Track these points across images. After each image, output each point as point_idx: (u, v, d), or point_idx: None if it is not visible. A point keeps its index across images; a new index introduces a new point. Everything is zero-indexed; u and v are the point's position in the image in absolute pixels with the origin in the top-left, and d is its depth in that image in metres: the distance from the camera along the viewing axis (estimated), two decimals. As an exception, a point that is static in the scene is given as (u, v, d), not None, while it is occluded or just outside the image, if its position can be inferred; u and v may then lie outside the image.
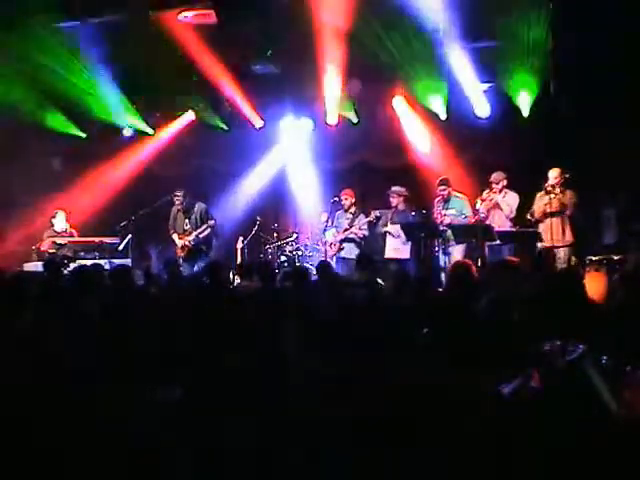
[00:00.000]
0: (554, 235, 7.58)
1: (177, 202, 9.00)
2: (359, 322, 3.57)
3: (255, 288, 5.37)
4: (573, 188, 7.72)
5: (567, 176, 7.66)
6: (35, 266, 7.94)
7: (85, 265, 6.10)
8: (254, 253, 9.87)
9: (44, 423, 2.61)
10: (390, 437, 2.38)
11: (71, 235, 9.07)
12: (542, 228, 7.76)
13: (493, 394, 2.48)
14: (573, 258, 7.68)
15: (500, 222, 8.02)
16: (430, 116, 9.64)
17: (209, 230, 8.89)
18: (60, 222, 9.11)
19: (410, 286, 4.64)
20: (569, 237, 7.74)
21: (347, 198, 9.05)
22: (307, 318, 3.64)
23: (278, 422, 2.56)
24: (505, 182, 8.18)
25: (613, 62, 7.98)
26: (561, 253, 7.64)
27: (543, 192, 7.80)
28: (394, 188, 8.74)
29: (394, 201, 8.70)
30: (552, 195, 7.67)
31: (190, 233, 8.90)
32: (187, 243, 8.91)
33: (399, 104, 9.77)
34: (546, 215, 7.75)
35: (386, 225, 8.72)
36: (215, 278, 5.55)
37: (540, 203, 7.84)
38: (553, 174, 7.76)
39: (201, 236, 8.86)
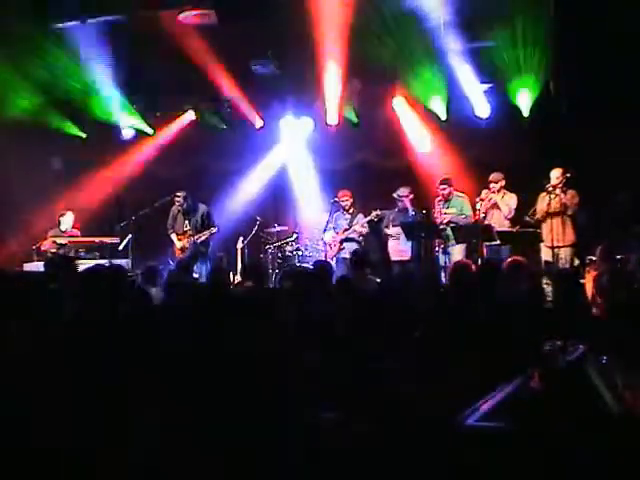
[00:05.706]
0: (555, 235, 7.57)
1: (177, 203, 9.01)
2: (359, 322, 3.57)
3: (248, 289, 5.33)
4: (575, 188, 7.72)
5: (569, 176, 7.66)
6: (35, 266, 7.92)
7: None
8: (254, 253, 9.87)
9: (44, 424, 2.61)
10: (388, 438, 2.38)
11: (73, 235, 9.05)
12: (544, 228, 7.76)
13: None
14: (575, 258, 7.67)
15: (498, 222, 8.03)
16: (430, 116, 9.62)
17: (208, 235, 8.89)
18: (67, 222, 9.09)
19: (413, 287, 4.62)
20: (570, 237, 7.73)
21: (347, 199, 9.05)
22: (304, 318, 3.64)
23: (277, 422, 2.56)
24: (503, 182, 8.19)
25: (613, 62, 7.97)
26: (563, 253, 7.63)
27: (545, 192, 7.79)
28: (400, 191, 8.65)
29: (402, 204, 8.60)
30: (552, 195, 7.67)
31: (190, 236, 8.89)
32: (186, 245, 8.90)
33: (399, 104, 9.75)
34: (547, 215, 7.75)
35: (388, 227, 8.68)
36: (216, 284, 5.50)
37: (541, 203, 7.84)
38: (555, 174, 7.75)
39: (199, 241, 8.86)
